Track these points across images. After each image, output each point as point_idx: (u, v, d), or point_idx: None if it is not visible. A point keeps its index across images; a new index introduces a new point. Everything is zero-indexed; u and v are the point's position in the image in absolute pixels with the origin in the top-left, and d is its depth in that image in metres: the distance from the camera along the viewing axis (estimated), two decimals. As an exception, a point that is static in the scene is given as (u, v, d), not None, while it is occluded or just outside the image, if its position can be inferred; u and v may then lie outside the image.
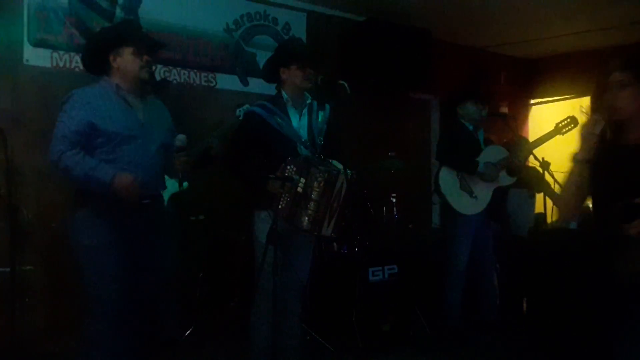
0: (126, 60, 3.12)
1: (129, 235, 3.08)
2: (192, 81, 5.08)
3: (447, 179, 4.85)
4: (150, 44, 3.26)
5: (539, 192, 5.32)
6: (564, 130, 4.66)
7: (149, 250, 3.19)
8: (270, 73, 3.73)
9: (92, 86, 3.13)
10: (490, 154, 4.85)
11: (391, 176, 5.23)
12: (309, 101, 3.69)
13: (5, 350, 3.77)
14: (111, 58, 3.13)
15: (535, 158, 4.84)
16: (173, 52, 4.94)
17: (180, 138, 3.09)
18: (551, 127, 4.66)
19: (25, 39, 4.30)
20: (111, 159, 3.04)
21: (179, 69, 5.00)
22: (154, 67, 3.66)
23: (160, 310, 3.83)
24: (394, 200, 5.21)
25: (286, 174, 3.38)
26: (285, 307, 3.54)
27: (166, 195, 4.13)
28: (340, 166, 3.52)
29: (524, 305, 4.85)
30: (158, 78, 4.56)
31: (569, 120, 4.65)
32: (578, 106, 5.68)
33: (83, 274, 3.02)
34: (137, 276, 3.15)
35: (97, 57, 3.16)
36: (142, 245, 3.15)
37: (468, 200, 4.79)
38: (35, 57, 4.32)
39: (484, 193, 4.81)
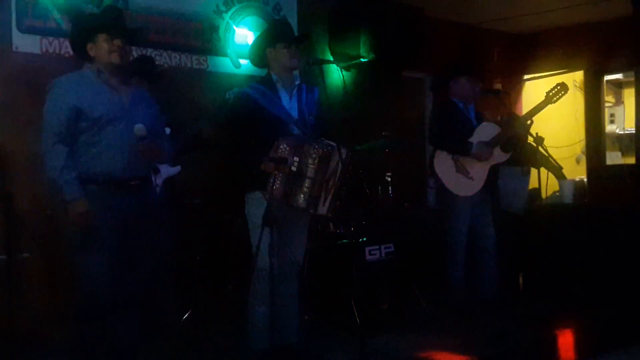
0: (100, 46, 3.16)
1: (120, 216, 3.13)
2: (182, 64, 5.05)
3: (442, 162, 4.85)
4: (125, 30, 3.28)
5: (535, 167, 5.32)
6: (555, 98, 4.66)
7: (142, 231, 3.23)
8: (257, 55, 3.73)
9: (73, 73, 3.20)
10: (483, 132, 4.84)
11: (385, 155, 5.22)
12: (297, 82, 3.69)
13: (4, 338, 3.78)
14: (88, 46, 3.18)
15: (529, 134, 4.84)
16: (163, 35, 4.91)
17: (140, 127, 3.09)
18: (544, 101, 4.66)
19: (13, 25, 4.26)
20: (95, 141, 3.10)
21: (169, 51, 4.96)
22: (130, 52, 3.66)
23: (157, 294, 3.83)
24: (389, 179, 5.21)
25: (279, 154, 3.38)
26: (282, 288, 3.56)
27: (160, 179, 4.13)
28: (333, 143, 3.52)
29: (520, 281, 4.88)
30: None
31: (558, 87, 4.65)
32: (571, 80, 5.70)
33: (73, 256, 3.12)
34: (132, 258, 3.20)
35: (77, 44, 3.24)
36: (134, 226, 3.19)
37: (464, 181, 4.80)
38: (24, 43, 4.28)
39: (480, 173, 4.81)
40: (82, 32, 3.22)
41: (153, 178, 3.91)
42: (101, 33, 3.16)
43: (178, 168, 4.27)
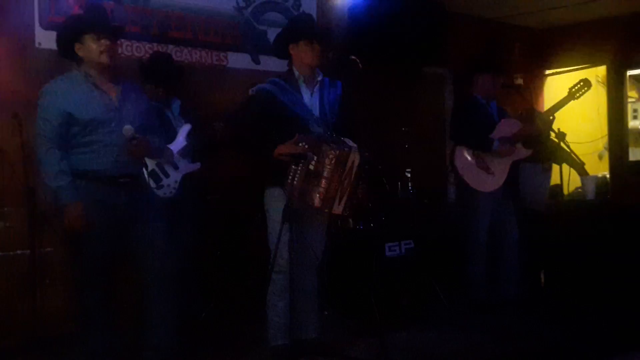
0: (88, 47, 3.20)
1: (109, 210, 3.20)
2: (203, 60, 5.06)
3: (463, 158, 4.82)
4: (111, 28, 3.31)
5: (557, 163, 5.27)
6: (578, 94, 4.61)
7: (134, 227, 3.28)
8: (280, 49, 3.72)
9: (61, 77, 3.26)
10: (505, 128, 4.81)
11: (406, 151, 5.20)
12: (320, 78, 3.67)
13: (27, 331, 3.83)
14: (76, 47, 3.22)
15: (551, 129, 4.79)
16: (183, 31, 4.91)
17: (128, 129, 3.16)
18: (566, 96, 4.62)
19: (36, 22, 4.29)
20: (87, 142, 3.17)
21: (189, 48, 4.97)
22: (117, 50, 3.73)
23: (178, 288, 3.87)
24: (409, 175, 5.19)
25: (298, 150, 3.38)
26: (301, 284, 3.56)
27: (179, 176, 4.16)
28: (352, 144, 3.51)
29: (542, 279, 4.84)
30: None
31: (582, 83, 4.61)
32: (594, 76, 5.64)
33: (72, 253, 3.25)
34: (126, 254, 3.31)
35: (64, 46, 3.27)
36: (125, 222, 3.26)
37: (485, 177, 4.76)
38: (46, 40, 4.31)
39: (501, 168, 4.78)
40: (68, 33, 3.26)
41: (167, 175, 4.01)
42: (88, 33, 3.20)
43: (198, 165, 4.30)
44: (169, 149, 3.96)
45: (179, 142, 4.18)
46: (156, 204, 3.51)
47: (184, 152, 4.19)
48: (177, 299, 3.40)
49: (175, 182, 4.13)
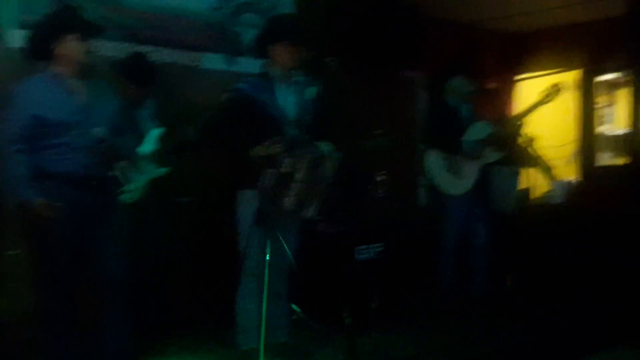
0: (70, 47, 3.19)
1: (78, 212, 3.19)
2: (177, 61, 5.04)
3: (434, 161, 4.88)
4: (92, 29, 3.32)
5: (525, 167, 5.36)
6: (548, 99, 4.70)
7: (108, 231, 3.31)
8: (260, 49, 3.71)
9: (32, 78, 3.23)
10: (477, 131, 4.88)
11: (377, 155, 5.23)
12: (297, 79, 3.67)
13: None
14: (54, 46, 3.19)
15: (522, 133, 4.87)
16: (157, 31, 4.88)
17: (97, 131, 3.19)
18: (538, 101, 4.69)
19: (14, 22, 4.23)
20: (55, 144, 3.16)
21: (163, 48, 4.94)
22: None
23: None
24: (381, 179, 5.22)
25: (271, 152, 3.39)
26: (271, 288, 3.57)
27: (144, 180, 4.12)
28: (327, 148, 3.53)
29: (509, 281, 4.92)
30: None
31: (552, 88, 4.70)
32: (565, 81, 5.73)
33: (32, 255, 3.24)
34: (93, 258, 3.32)
35: (40, 45, 3.23)
36: (94, 224, 3.26)
37: (456, 180, 4.83)
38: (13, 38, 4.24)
39: (471, 172, 4.84)
40: (46, 32, 3.23)
41: (132, 180, 3.97)
42: (70, 33, 3.18)
43: (164, 170, 4.25)
44: (136, 152, 3.94)
45: (148, 145, 4.14)
46: (121, 207, 3.50)
47: (151, 157, 4.16)
48: (132, 303, 3.38)
49: (140, 186, 4.10)
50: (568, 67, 6.80)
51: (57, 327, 3.21)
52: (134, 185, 4.06)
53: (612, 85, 7.01)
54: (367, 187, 5.15)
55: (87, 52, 3.24)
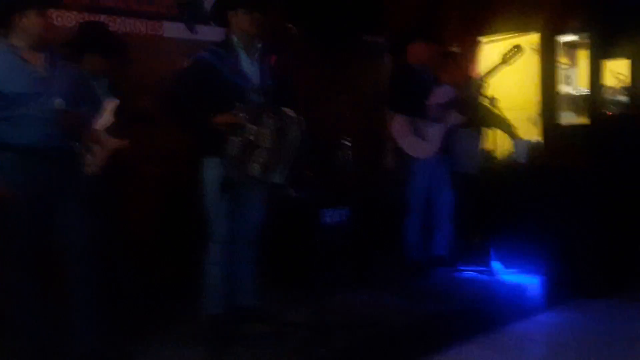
0: (32, 21, 3.14)
1: (41, 185, 3.15)
2: (137, 30, 4.97)
3: (399, 126, 4.92)
4: (54, 2, 3.34)
5: (488, 127, 5.43)
6: (510, 60, 4.75)
7: (71, 203, 3.26)
8: (219, 16, 3.68)
9: None
10: (440, 94, 4.92)
11: (344, 120, 5.27)
12: (259, 45, 3.65)
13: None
14: (16, 18, 3.14)
15: (484, 95, 4.93)
16: (116, 0, 4.81)
17: (58, 102, 3.15)
18: (501, 63, 4.74)
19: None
20: (8, 116, 3.10)
21: (122, 18, 4.87)
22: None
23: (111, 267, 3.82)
24: (347, 144, 5.26)
25: (237, 120, 3.39)
26: (240, 254, 3.60)
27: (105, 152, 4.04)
28: (292, 114, 3.53)
29: (475, 240, 5.03)
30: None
31: (514, 50, 4.75)
32: (527, 43, 5.78)
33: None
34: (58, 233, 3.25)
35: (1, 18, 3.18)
36: (59, 196, 3.22)
37: (421, 144, 4.88)
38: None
39: (436, 135, 4.90)
40: (8, 4, 3.16)
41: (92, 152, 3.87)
42: (32, 7, 3.13)
43: (123, 141, 4.17)
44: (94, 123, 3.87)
45: (105, 118, 4.05)
46: (83, 180, 3.47)
47: (109, 129, 4.10)
48: (101, 275, 3.35)
49: (102, 159, 4.03)
50: (529, 29, 6.85)
51: (24, 303, 3.18)
52: (95, 158, 4.01)
53: (573, 46, 7.09)
54: (334, 152, 5.19)
55: (46, 23, 3.20)
